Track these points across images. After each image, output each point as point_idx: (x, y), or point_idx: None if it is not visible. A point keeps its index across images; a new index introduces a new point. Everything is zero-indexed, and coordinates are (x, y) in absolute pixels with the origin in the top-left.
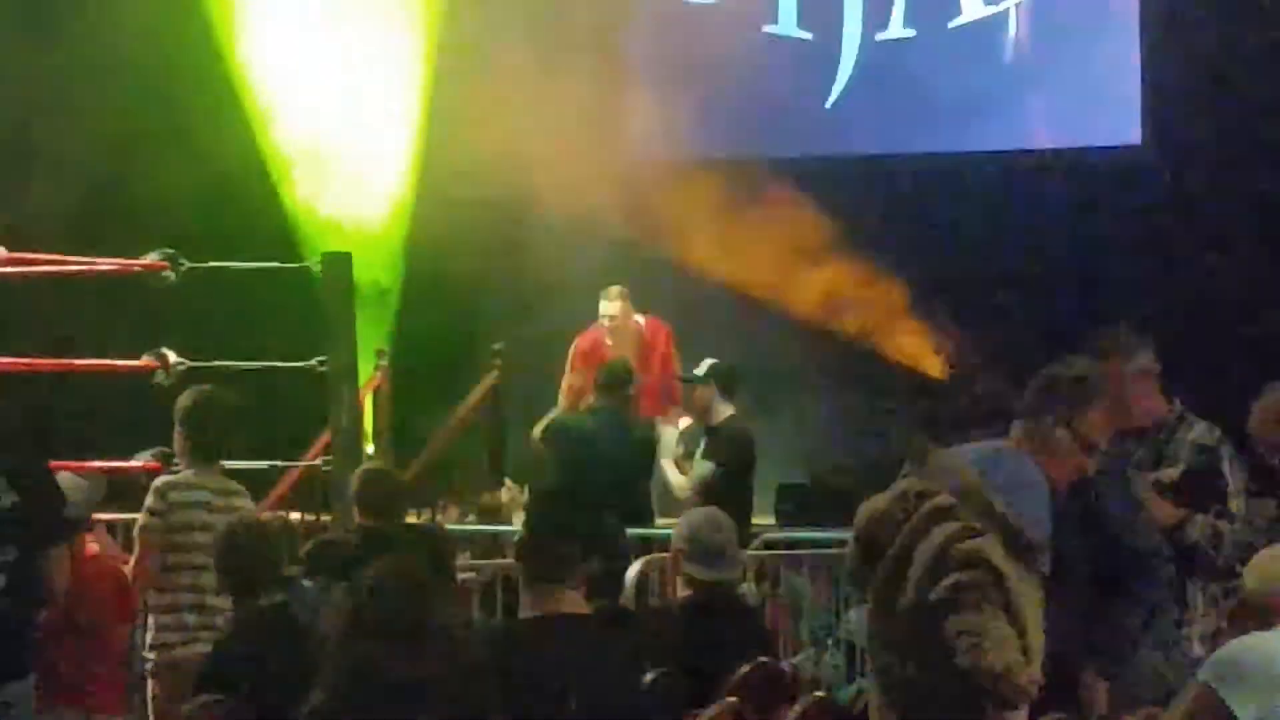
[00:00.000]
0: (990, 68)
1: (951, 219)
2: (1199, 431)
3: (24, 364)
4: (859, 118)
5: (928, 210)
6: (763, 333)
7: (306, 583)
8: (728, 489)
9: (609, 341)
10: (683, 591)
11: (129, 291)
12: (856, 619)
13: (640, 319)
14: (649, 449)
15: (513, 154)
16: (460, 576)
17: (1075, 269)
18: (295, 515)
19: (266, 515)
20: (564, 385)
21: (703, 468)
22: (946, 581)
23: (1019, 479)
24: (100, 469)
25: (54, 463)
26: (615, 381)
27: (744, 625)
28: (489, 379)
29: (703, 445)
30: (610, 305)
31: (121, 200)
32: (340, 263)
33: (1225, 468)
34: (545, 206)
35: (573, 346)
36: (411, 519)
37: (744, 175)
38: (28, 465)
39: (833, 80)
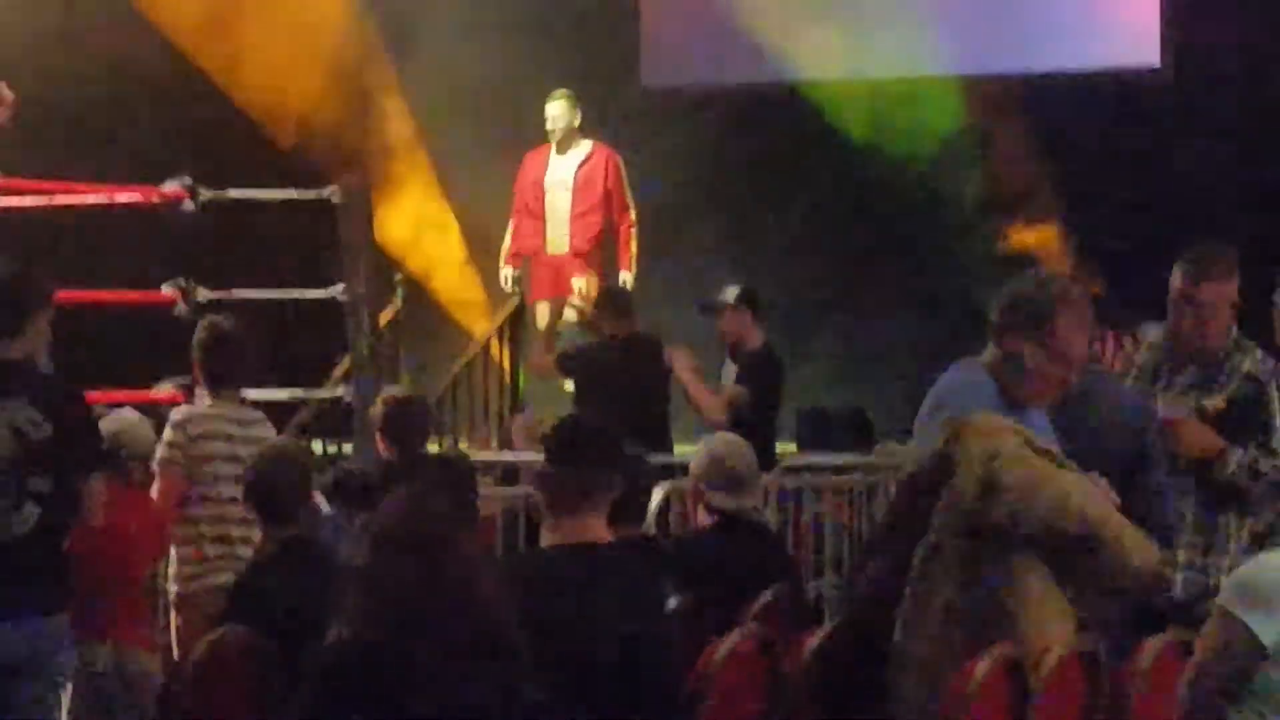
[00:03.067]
0: None
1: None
2: (1251, 362)
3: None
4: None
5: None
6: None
7: (327, 511)
8: (757, 414)
9: (553, 147)
10: (704, 519)
11: (147, 222)
12: None
13: (589, 142)
14: (666, 375)
15: None
16: (481, 505)
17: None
18: (316, 444)
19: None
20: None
21: (735, 392)
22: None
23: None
24: (123, 399)
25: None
26: (625, 306)
27: (766, 551)
28: (507, 306)
29: (734, 369)
30: (552, 105)
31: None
32: (359, 192)
33: (1273, 401)
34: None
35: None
36: (433, 447)
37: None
38: (62, 397)
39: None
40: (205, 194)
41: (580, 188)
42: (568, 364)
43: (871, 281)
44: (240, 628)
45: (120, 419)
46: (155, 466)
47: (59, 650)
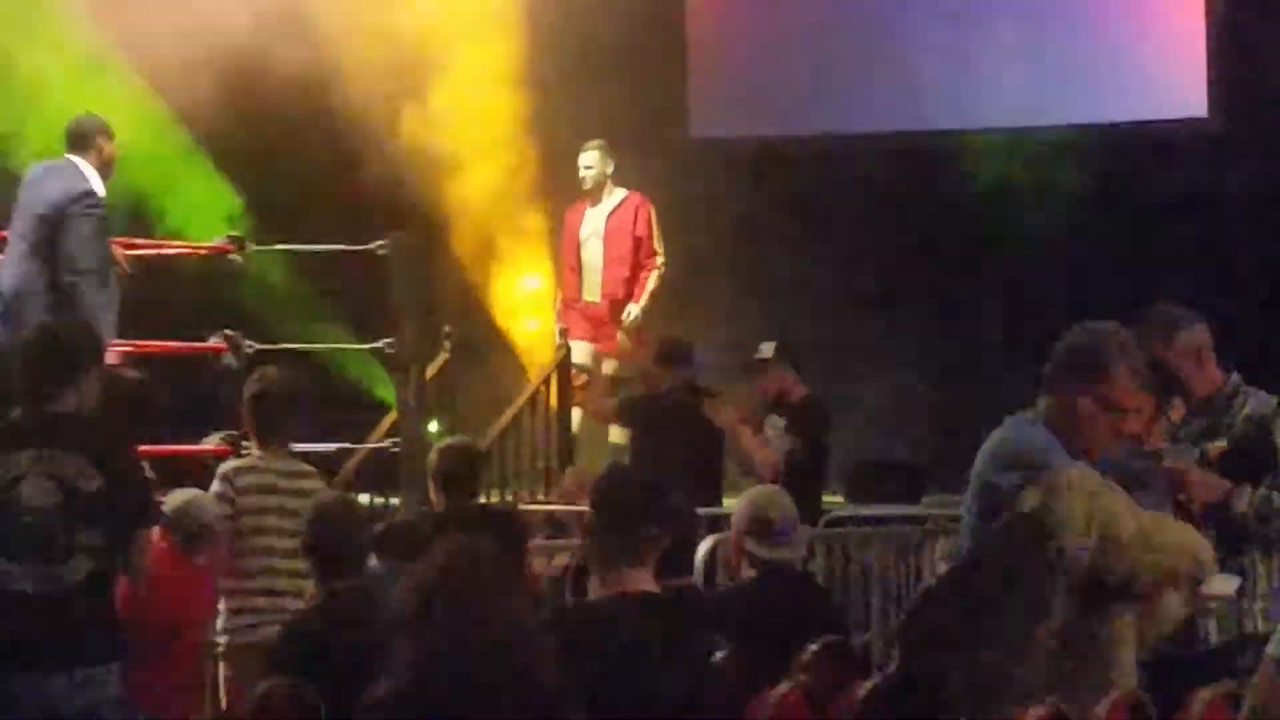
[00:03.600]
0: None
1: (1014, 191)
2: (1253, 405)
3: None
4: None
5: (986, 183)
6: (829, 307)
7: (375, 564)
8: (807, 466)
9: (586, 189)
10: (747, 571)
11: (195, 273)
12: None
13: (622, 190)
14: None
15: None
16: (532, 558)
17: (1143, 240)
18: (364, 497)
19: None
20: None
21: (786, 444)
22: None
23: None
24: (171, 453)
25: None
26: (682, 356)
27: (812, 602)
28: (554, 358)
29: (780, 421)
30: (585, 155)
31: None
32: (409, 244)
33: (1277, 438)
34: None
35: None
36: (482, 498)
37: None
38: (113, 450)
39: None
40: (253, 247)
41: (610, 235)
42: (627, 412)
43: (915, 331)
44: (288, 679)
45: (191, 494)
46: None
47: (110, 702)
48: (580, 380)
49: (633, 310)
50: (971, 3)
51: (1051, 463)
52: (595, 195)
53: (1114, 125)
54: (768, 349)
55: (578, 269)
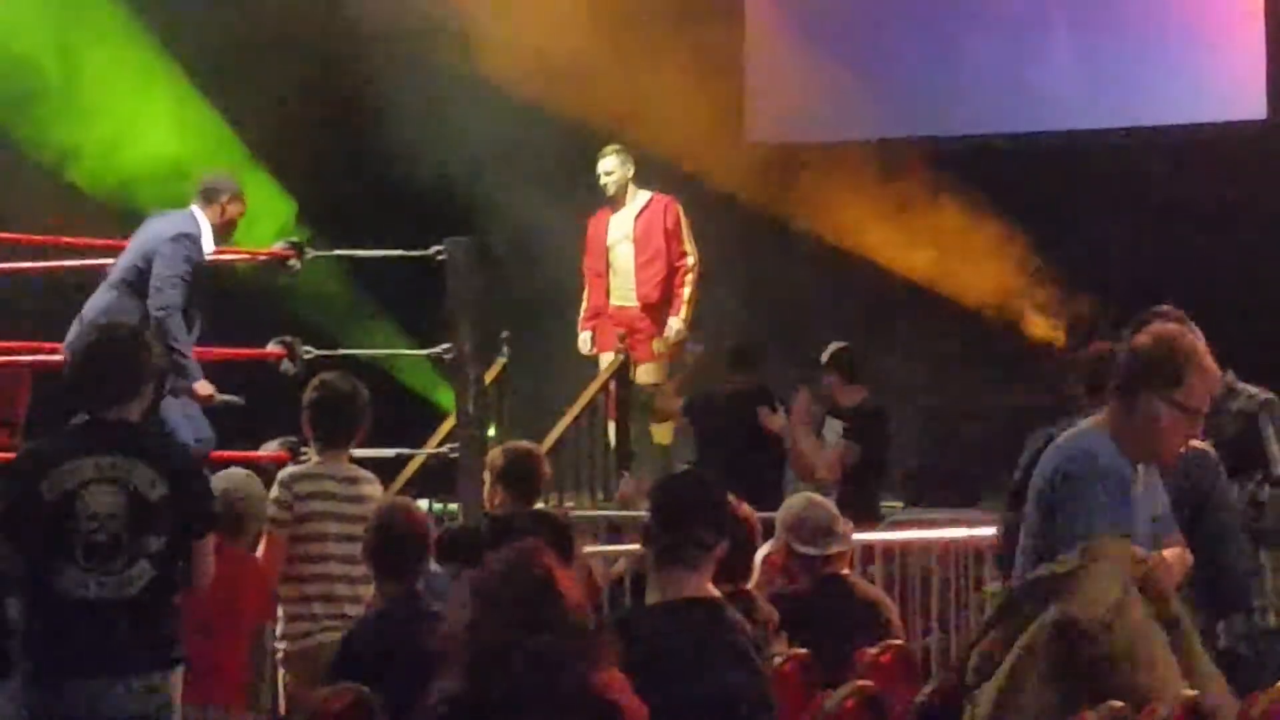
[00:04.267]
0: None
1: (1074, 195)
2: (1242, 401)
3: None
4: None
5: (1047, 187)
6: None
7: (437, 569)
8: (866, 470)
9: (609, 195)
10: (799, 576)
11: (255, 279)
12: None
13: (646, 193)
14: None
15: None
16: (591, 563)
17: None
18: (423, 502)
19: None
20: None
21: (845, 448)
22: None
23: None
24: (230, 459)
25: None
26: (747, 359)
27: (869, 608)
28: (612, 364)
29: (837, 425)
30: (604, 161)
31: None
32: (466, 249)
33: (1268, 432)
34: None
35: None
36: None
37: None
38: (176, 458)
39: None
40: (311, 253)
41: (640, 238)
42: (692, 413)
43: (978, 340)
44: (348, 684)
45: (230, 476)
46: (263, 526)
47: (170, 708)
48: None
49: (674, 324)
50: (1028, 7)
51: (1087, 463)
52: (619, 200)
53: (1170, 127)
54: (824, 354)
55: (605, 274)
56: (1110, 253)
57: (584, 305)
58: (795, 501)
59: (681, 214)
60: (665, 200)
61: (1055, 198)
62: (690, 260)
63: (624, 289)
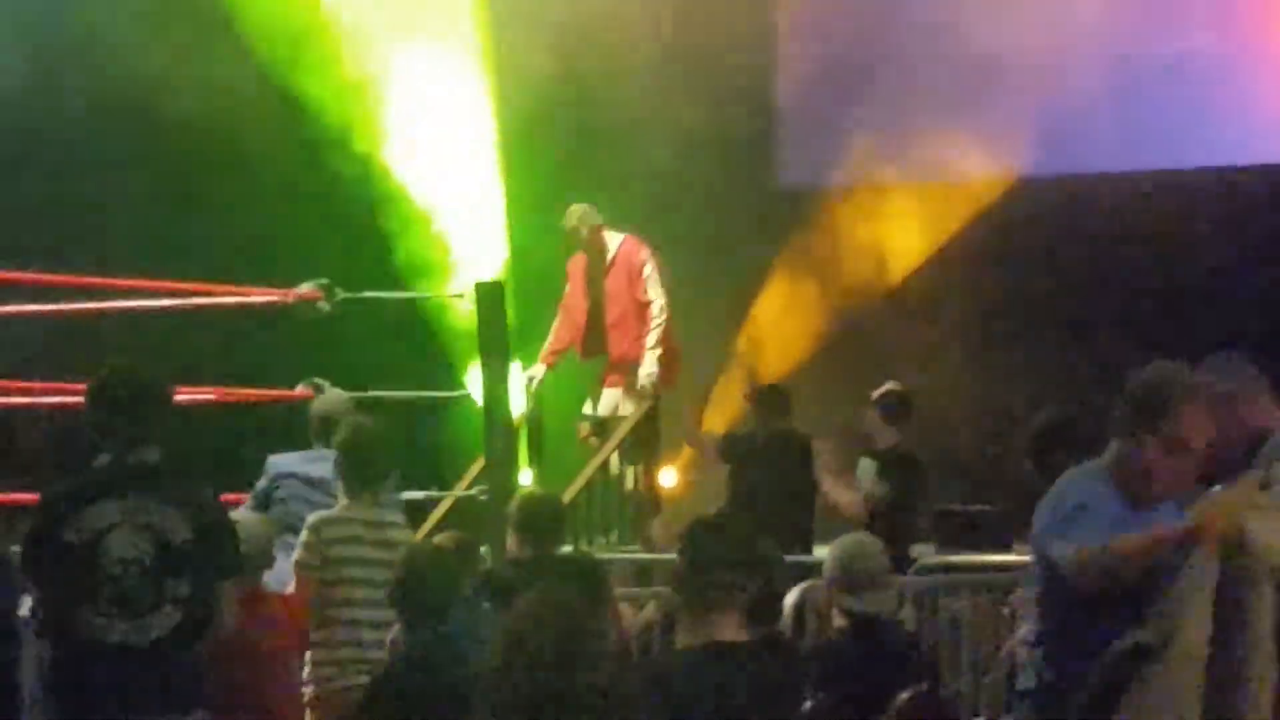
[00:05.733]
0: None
1: (1116, 236)
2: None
3: (189, 395)
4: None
5: (1089, 228)
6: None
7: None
8: (895, 513)
9: (580, 248)
10: (838, 621)
11: (281, 322)
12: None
13: (618, 235)
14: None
15: None
16: (620, 607)
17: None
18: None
19: (448, 538)
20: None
21: (875, 488)
22: None
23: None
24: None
25: (225, 497)
26: (783, 403)
27: (903, 652)
28: (640, 407)
29: (871, 466)
30: (567, 219)
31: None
32: (493, 291)
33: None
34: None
35: None
36: (567, 547)
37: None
38: (202, 501)
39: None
40: (340, 294)
41: (611, 294)
42: (726, 449)
43: (1010, 377)
44: None
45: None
46: (290, 569)
47: None
48: (584, 432)
49: (642, 377)
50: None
51: (1067, 496)
52: (592, 248)
53: (1248, 167)
54: (877, 391)
55: (583, 320)
56: (1180, 291)
57: (550, 339)
58: (846, 545)
59: (649, 257)
60: (630, 248)
61: (1124, 237)
62: (654, 308)
63: (595, 343)
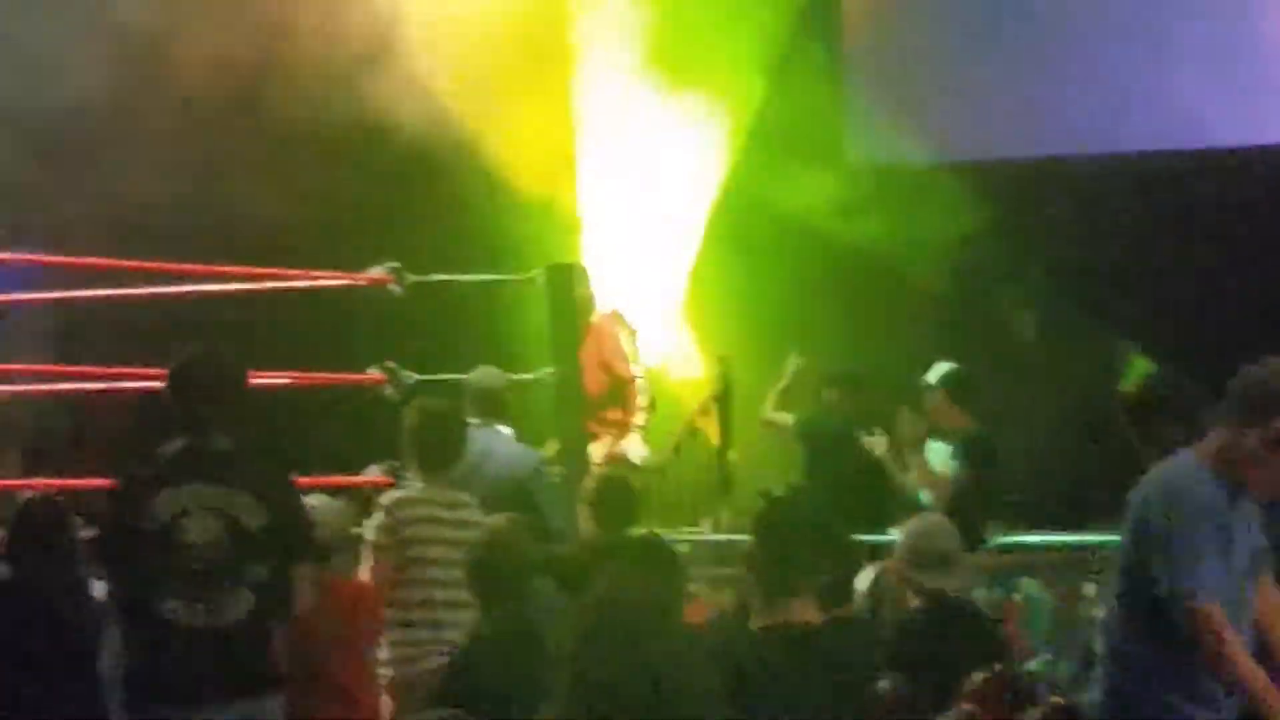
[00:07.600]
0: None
1: (1134, 216)
2: None
3: (264, 380)
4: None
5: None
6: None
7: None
8: (970, 494)
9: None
10: (912, 600)
11: (355, 305)
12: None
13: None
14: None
15: None
16: (695, 589)
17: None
18: None
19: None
20: None
21: (949, 473)
22: None
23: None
24: (331, 484)
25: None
26: (853, 382)
27: (977, 632)
28: (712, 387)
29: (942, 449)
30: None
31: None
32: (564, 274)
33: None
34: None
35: None
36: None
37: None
38: (276, 486)
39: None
40: (411, 278)
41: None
42: (804, 432)
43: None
44: (454, 711)
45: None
46: (366, 550)
47: None
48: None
49: (637, 455)
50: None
51: (1190, 501)
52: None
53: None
54: (931, 374)
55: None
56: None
57: None
58: (919, 524)
59: (615, 332)
60: (597, 327)
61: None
62: (629, 378)
63: None
